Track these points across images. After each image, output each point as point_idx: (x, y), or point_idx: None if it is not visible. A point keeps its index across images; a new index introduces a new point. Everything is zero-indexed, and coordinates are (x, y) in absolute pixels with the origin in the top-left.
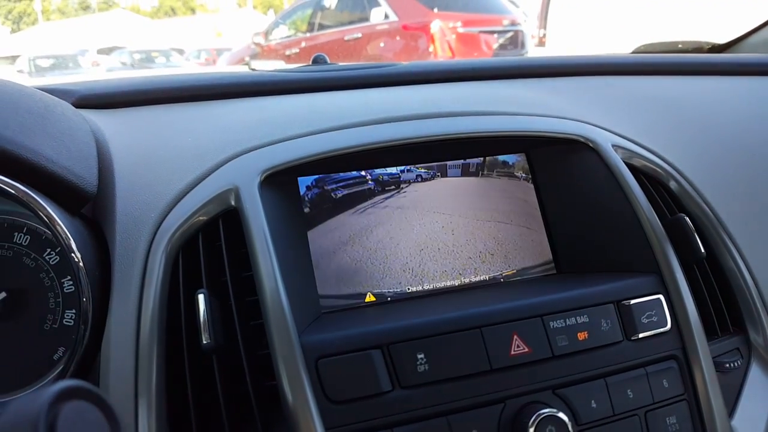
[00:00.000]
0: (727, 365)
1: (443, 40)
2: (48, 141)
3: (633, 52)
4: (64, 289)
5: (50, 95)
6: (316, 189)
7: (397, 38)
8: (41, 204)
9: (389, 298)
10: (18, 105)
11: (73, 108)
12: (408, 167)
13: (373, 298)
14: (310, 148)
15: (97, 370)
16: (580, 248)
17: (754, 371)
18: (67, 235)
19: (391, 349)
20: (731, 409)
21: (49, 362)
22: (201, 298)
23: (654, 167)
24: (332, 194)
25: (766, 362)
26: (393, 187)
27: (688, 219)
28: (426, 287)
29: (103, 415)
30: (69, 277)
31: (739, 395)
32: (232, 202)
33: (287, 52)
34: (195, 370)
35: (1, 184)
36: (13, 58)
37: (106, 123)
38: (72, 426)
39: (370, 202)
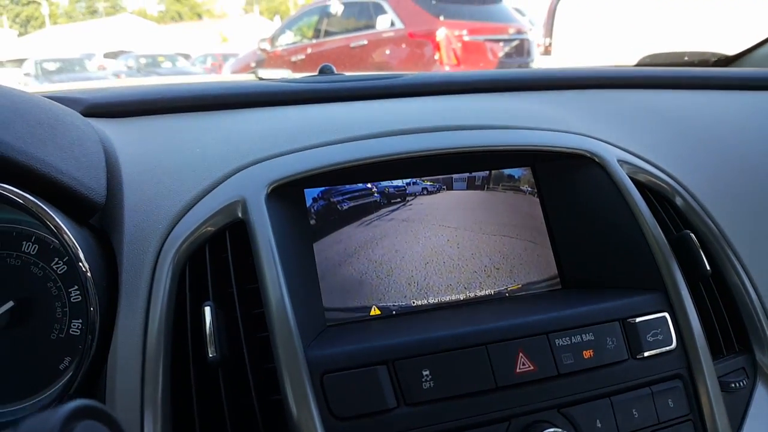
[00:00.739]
0: (733, 385)
1: (449, 48)
2: (58, 152)
3: (639, 63)
4: (71, 299)
5: (59, 104)
6: (322, 201)
7: (403, 46)
8: (50, 214)
9: (394, 312)
10: (28, 115)
11: (82, 117)
12: (414, 180)
13: (378, 312)
14: (317, 160)
15: (103, 380)
16: (586, 263)
17: (760, 391)
18: (74, 244)
19: (396, 366)
20: (736, 429)
21: (55, 372)
22: (207, 310)
23: (660, 183)
24: (338, 206)
25: None
26: (399, 199)
27: (693, 236)
28: (431, 301)
29: None
30: (76, 287)
31: (745, 415)
32: (239, 214)
33: (293, 59)
34: (201, 382)
35: (11, 194)
36: (21, 62)
37: (115, 132)
38: None
39: (375, 214)
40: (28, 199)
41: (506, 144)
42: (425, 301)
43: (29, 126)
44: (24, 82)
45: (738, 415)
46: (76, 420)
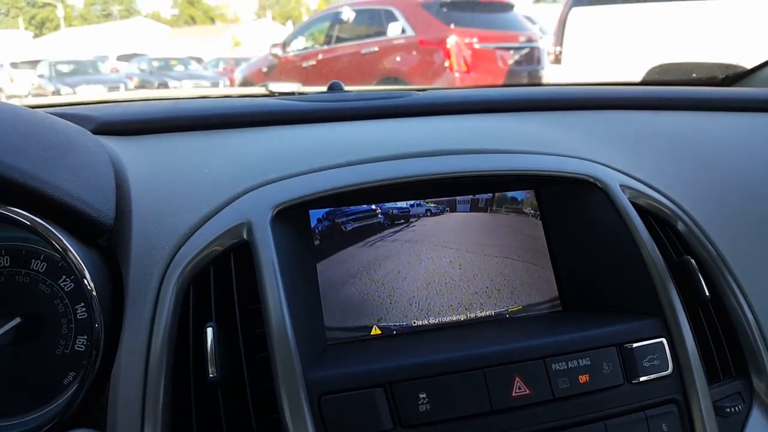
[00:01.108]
0: (728, 410)
1: (459, 56)
2: (69, 175)
3: (647, 74)
4: (78, 316)
5: (70, 123)
6: (326, 222)
7: (414, 53)
8: (57, 236)
9: (395, 332)
10: (42, 139)
11: (93, 136)
12: (418, 202)
13: (378, 332)
14: (322, 183)
15: (105, 396)
16: (586, 286)
17: (755, 416)
18: (81, 265)
19: (393, 388)
20: None
21: (59, 386)
22: (209, 331)
23: (661, 208)
24: (342, 227)
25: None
26: (402, 221)
27: (693, 262)
28: (432, 321)
29: None
30: (82, 304)
31: None
32: (245, 236)
33: (304, 64)
34: (201, 400)
35: (20, 217)
36: (35, 63)
37: (125, 151)
38: None
39: (379, 235)
40: (37, 222)
41: (510, 169)
42: (426, 322)
43: (42, 150)
44: (38, 83)
45: None
46: None
